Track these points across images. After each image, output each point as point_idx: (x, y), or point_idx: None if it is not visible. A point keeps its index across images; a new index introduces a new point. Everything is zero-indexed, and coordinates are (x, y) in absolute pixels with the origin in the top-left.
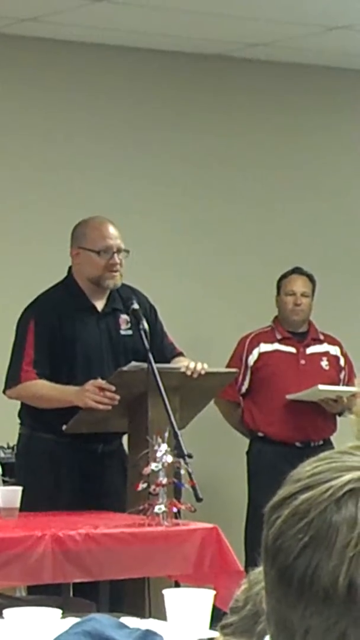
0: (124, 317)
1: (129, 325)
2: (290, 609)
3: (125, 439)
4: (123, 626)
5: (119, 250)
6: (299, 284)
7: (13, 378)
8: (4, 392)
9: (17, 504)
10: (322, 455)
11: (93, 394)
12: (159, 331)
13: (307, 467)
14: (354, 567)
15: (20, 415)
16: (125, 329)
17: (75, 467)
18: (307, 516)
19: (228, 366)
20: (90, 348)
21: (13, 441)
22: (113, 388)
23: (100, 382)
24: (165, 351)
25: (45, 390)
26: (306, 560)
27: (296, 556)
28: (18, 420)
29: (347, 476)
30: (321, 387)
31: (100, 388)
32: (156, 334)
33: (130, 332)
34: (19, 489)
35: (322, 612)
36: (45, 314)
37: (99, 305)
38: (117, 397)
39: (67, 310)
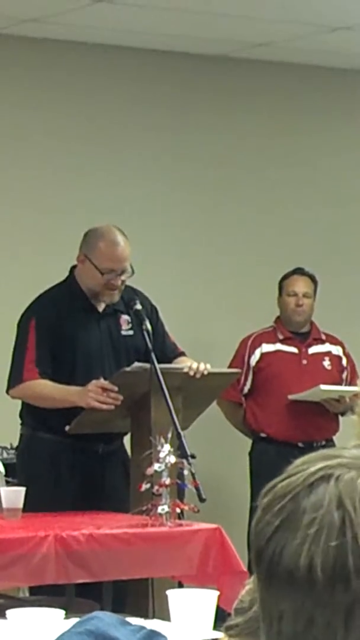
0: (125, 317)
1: (130, 325)
2: (266, 593)
3: (126, 440)
4: (126, 624)
5: (123, 272)
6: (300, 285)
7: (16, 377)
8: (7, 391)
9: (20, 505)
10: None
11: (96, 394)
12: (161, 331)
13: (298, 460)
14: (314, 547)
15: (21, 415)
16: (126, 330)
17: (76, 467)
18: (282, 501)
19: (230, 367)
20: (90, 348)
21: (16, 442)
22: (116, 388)
23: (103, 382)
24: (167, 351)
25: (48, 390)
26: (275, 542)
27: (268, 539)
28: (20, 421)
29: (321, 464)
30: (323, 387)
31: (103, 388)
32: (158, 334)
33: (131, 332)
34: (22, 489)
35: (290, 594)
36: (46, 313)
37: (100, 305)
38: (120, 397)
39: (67, 309)
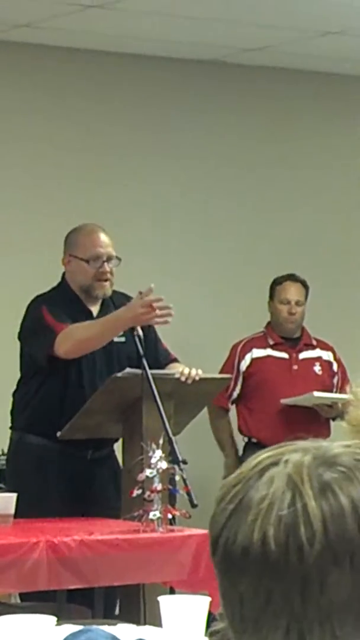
0: None
1: (122, 332)
2: (225, 581)
3: (116, 446)
4: (116, 639)
5: (109, 259)
6: (292, 292)
7: (48, 340)
8: (51, 355)
9: (12, 511)
10: None
11: (148, 314)
12: (153, 337)
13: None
14: (266, 520)
15: (11, 419)
16: (118, 337)
17: (64, 472)
18: (234, 489)
19: (221, 373)
20: (83, 355)
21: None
22: (162, 298)
23: (147, 299)
24: (160, 357)
25: (88, 326)
26: (230, 527)
27: (223, 525)
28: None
29: (271, 452)
30: (316, 394)
31: (150, 305)
32: (150, 340)
33: (123, 339)
34: (14, 495)
35: (247, 572)
36: (52, 304)
37: (94, 311)
38: (171, 305)
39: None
